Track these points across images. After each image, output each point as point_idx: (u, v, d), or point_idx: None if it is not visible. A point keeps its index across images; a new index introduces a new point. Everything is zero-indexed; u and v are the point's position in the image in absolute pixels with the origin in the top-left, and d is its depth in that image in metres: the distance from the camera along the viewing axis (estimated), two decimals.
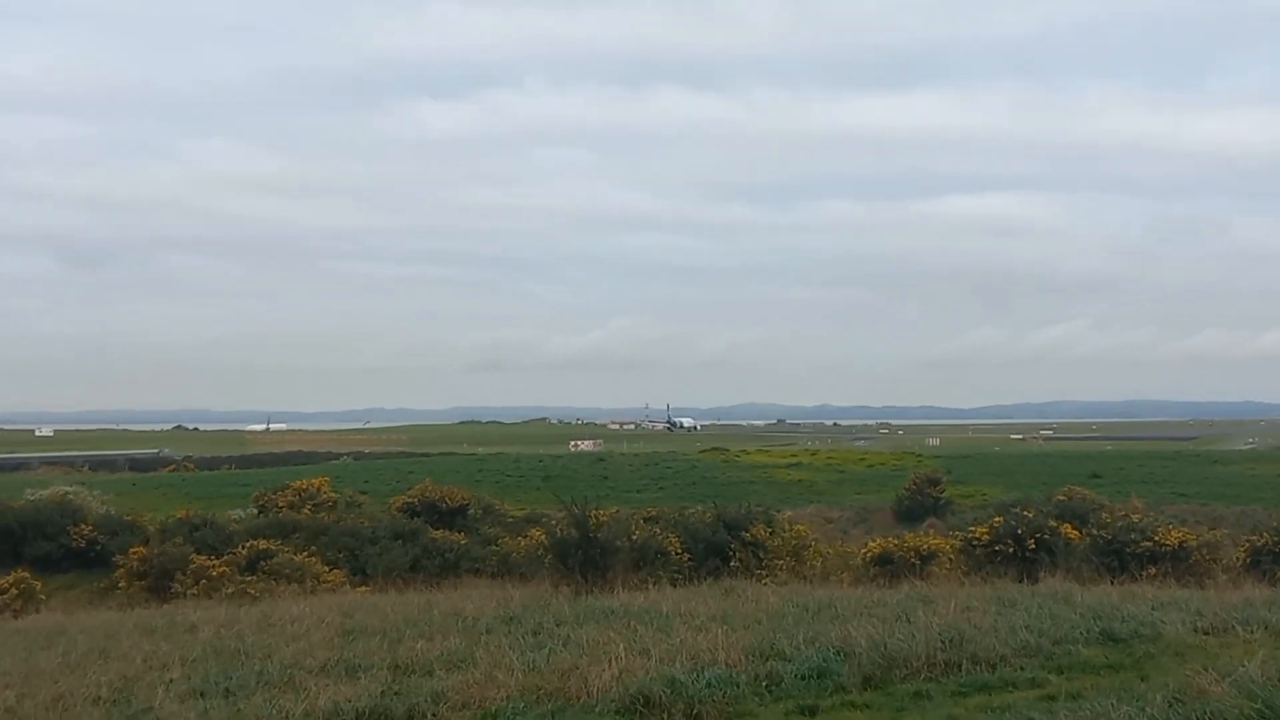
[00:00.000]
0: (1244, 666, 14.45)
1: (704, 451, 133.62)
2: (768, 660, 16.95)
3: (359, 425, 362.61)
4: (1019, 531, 34.40)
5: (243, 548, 38.68)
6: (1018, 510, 37.66)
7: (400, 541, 40.73)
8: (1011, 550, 34.06)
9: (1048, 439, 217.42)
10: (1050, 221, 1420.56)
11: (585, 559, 30.22)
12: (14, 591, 36.94)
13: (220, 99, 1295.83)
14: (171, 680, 17.72)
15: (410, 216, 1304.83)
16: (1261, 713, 12.65)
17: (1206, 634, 19.08)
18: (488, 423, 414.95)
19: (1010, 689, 15.71)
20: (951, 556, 34.77)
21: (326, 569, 38.22)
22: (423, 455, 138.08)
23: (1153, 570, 31.83)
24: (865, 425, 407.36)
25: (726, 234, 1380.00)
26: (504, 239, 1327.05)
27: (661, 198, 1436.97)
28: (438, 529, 44.08)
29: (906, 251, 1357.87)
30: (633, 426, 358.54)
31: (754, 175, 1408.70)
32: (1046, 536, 34.30)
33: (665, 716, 14.48)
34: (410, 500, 49.97)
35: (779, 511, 44.93)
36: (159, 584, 36.54)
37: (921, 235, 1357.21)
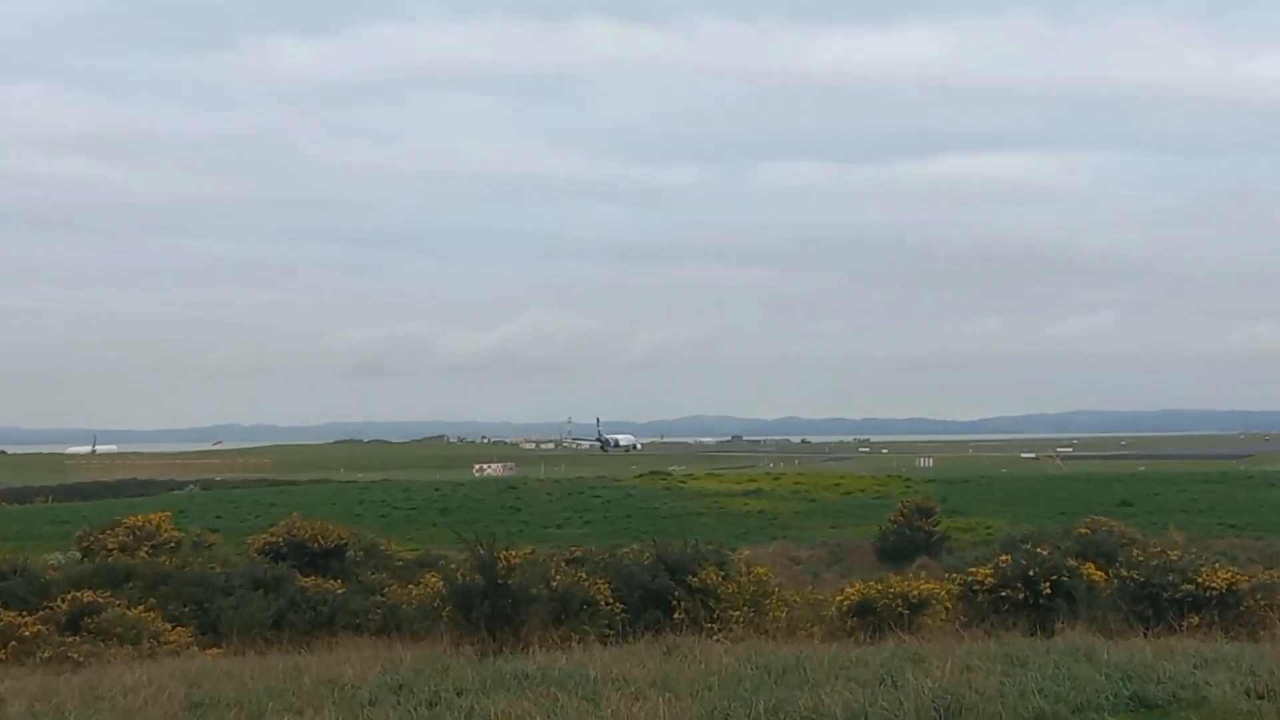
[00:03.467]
0: None
1: (641, 477, 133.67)
2: None
3: (208, 446, 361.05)
4: (1030, 573, 34.64)
5: (63, 601, 38.29)
6: (1029, 547, 37.98)
7: (261, 591, 40.69)
8: (1022, 596, 34.38)
9: (1066, 458, 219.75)
10: (1070, 187, 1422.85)
11: (493, 611, 30.37)
12: None
13: (30, 36, 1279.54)
14: None
15: (268, 182, 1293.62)
16: None
17: (1261, 698, 19.29)
18: (370, 442, 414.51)
19: None
20: (948, 604, 35.12)
21: (168, 626, 38.01)
22: (289, 483, 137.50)
23: (1195, 620, 32.23)
24: (841, 442, 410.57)
25: (667, 203, 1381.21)
26: (387, 210, 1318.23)
27: (585, 157, 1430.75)
28: (308, 575, 43.97)
29: (892, 225, 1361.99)
30: (553, 446, 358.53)
31: (701, 129, 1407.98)
32: (1065, 579, 34.65)
33: None
34: (273, 540, 49.80)
35: (734, 550, 44.84)
36: None
37: (910, 205, 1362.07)
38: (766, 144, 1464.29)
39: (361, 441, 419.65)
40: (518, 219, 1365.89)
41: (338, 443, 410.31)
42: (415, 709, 20.35)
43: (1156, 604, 33.10)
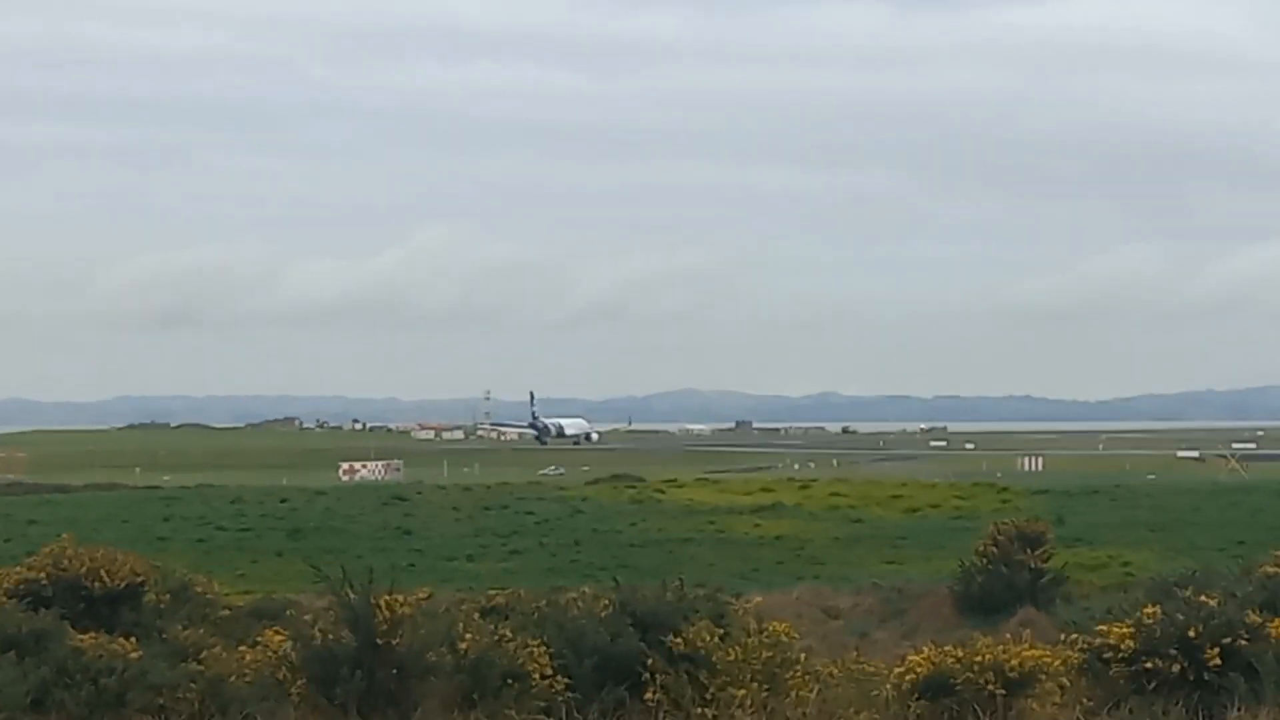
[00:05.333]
0: None
1: (596, 484, 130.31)
2: None
3: None
4: (1191, 634, 33.53)
5: None
6: (1189, 594, 36.24)
7: (14, 655, 36.50)
8: (1177, 669, 33.31)
9: (1246, 459, 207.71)
10: (1255, 45, 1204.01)
11: (369, 688, 30.25)
12: None
13: None
14: None
15: (16, 30, 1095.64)
16: None
17: None
18: (180, 428, 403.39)
19: None
20: (1064, 681, 33.61)
21: None
22: (57, 490, 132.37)
23: None
24: (903, 433, 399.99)
25: (633, 65, 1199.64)
26: (195, 69, 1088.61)
27: None
28: (85, 630, 39.18)
29: (981, 104, 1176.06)
30: (462, 435, 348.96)
31: None
32: (1243, 642, 33.54)
33: None
34: (32, 576, 45.83)
35: (739, 597, 42.67)
36: None
37: (1008, 71, 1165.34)
38: None
39: (167, 427, 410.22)
40: (401, 86, 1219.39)
41: (130, 428, 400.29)
42: None
43: None
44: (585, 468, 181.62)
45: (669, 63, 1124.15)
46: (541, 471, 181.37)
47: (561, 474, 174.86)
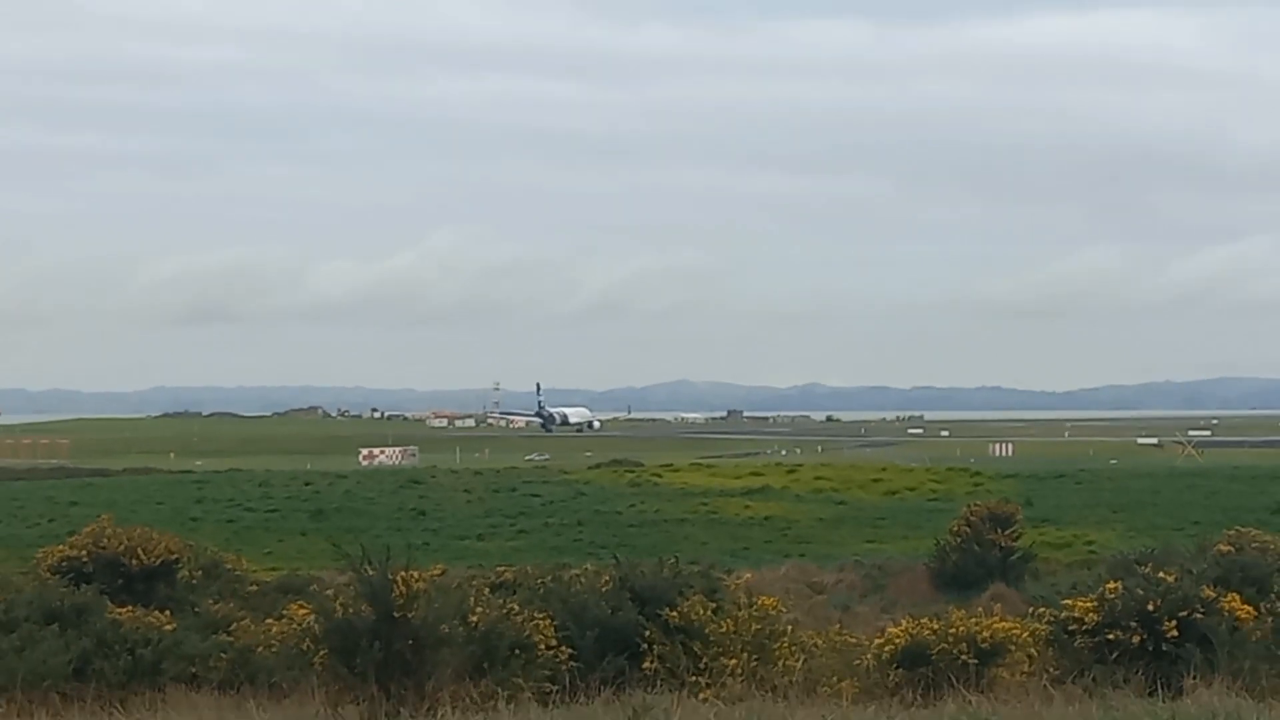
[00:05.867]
0: None
1: (598, 468, 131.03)
2: None
3: None
4: (1150, 607, 33.92)
5: None
6: (1148, 570, 36.96)
7: (56, 627, 37.74)
8: (1137, 640, 33.69)
9: (1202, 445, 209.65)
10: (1212, 57, 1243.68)
11: (386, 657, 30.11)
12: None
13: None
14: None
15: (43, 39, 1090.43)
16: None
17: None
18: (211, 416, 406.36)
19: None
20: (1032, 651, 34.25)
21: None
22: (97, 474, 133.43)
23: None
24: (883, 421, 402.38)
25: (633, 77, 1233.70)
26: (225, 83, 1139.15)
27: (516, 11, 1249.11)
28: (123, 605, 41.04)
29: (958, 113, 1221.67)
30: (473, 423, 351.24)
31: None
32: (1198, 616, 33.88)
33: None
34: (74, 554, 47.45)
35: (730, 573, 43.70)
36: None
37: (983, 82, 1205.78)
38: None
39: (199, 415, 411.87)
40: (418, 98, 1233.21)
41: (165, 416, 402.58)
42: None
43: None
44: (588, 453, 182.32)
45: (664, 75, 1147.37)
46: (527, 458, 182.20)
47: (547, 460, 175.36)
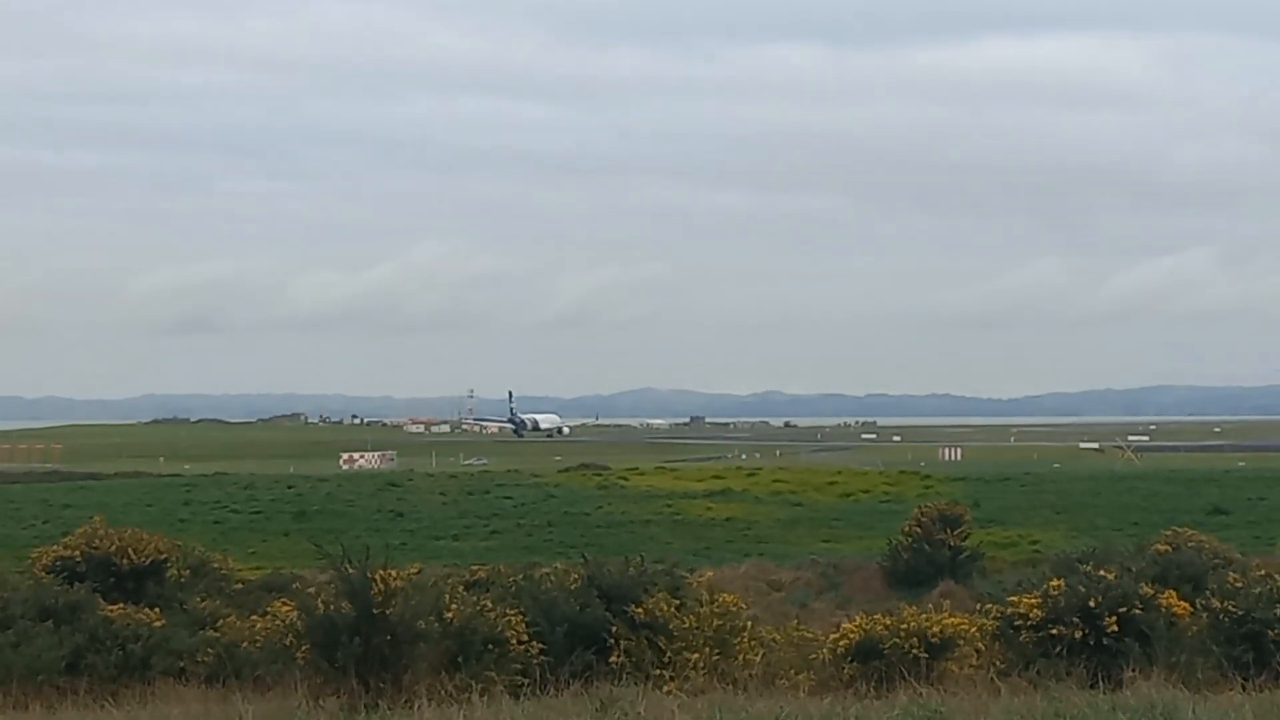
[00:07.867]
0: None
1: (568, 471, 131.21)
2: None
3: None
4: (1091, 604, 34.55)
5: None
6: (1089, 569, 37.73)
7: (50, 624, 38.38)
8: (1079, 635, 34.32)
9: (1140, 450, 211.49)
10: (1151, 82, 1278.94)
11: (366, 652, 30.29)
12: None
13: None
14: None
15: (39, 61, 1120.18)
16: None
17: None
18: (199, 422, 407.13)
19: None
20: (980, 646, 34.86)
21: None
22: (89, 478, 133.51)
23: None
24: (839, 427, 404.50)
25: (601, 99, 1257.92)
26: (212, 102, 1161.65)
27: (490, 35, 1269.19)
28: (114, 602, 41.75)
29: (909, 131, 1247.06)
30: (448, 429, 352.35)
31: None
32: (1137, 611, 34.57)
33: None
34: (68, 554, 47.79)
35: (693, 571, 44.02)
36: None
37: (935, 104, 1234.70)
38: (738, 21, 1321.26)
39: (187, 421, 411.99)
40: (397, 118, 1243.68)
41: (154, 422, 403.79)
42: None
43: (1259, 646, 32.93)
44: (557, 457, 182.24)
45: (632, 97, 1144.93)
46: (465, 462, 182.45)
47: (485, 464, 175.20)
